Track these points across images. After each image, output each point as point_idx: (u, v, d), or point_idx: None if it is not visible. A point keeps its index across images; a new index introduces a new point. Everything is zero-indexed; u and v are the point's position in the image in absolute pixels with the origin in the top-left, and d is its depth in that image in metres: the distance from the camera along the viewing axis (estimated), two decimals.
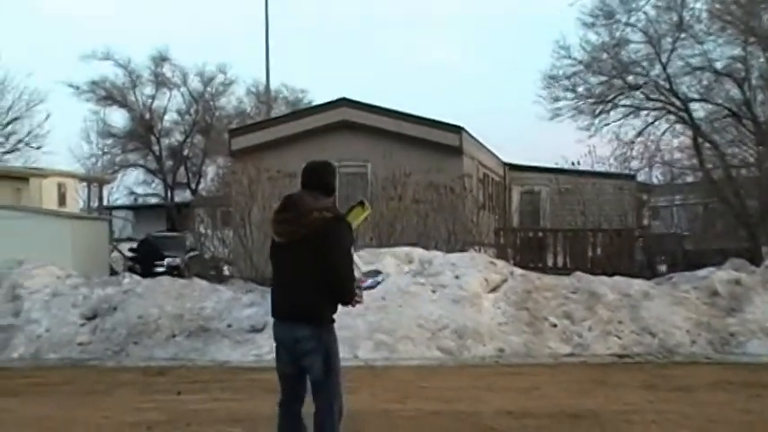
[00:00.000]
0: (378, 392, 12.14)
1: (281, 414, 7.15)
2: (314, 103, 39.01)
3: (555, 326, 16.33)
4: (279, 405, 7.17)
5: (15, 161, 46.31)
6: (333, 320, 7.08)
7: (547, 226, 28.52)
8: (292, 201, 7.00)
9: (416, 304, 16.51)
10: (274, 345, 7.12)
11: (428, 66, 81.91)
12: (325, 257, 6.83)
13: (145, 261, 31.45)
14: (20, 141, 47.12)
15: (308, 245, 6.83)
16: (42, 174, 39.24)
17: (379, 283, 8.17)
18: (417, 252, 18.76)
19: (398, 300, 16.60)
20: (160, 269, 30.06)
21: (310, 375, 6.98)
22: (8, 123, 46.82)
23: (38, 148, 47.25)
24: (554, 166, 34.00)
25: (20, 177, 35.95)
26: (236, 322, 16.57)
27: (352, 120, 25.52)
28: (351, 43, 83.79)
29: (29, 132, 47.10)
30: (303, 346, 6.92)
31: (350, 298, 7.01)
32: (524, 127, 74.20)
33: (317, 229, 6.83)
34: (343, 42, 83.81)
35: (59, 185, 41.09)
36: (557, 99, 31.20)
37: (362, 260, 14.58)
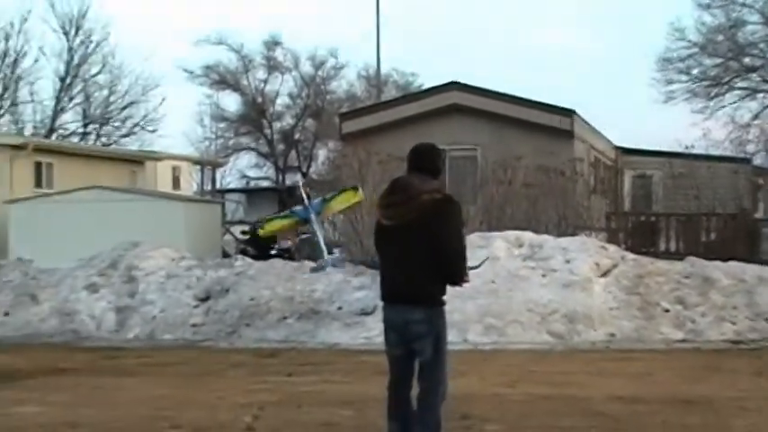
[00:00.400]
0: (487, 376, 12.13)
1: (391, 396, 7.18)
2: (424, 87, 38.95)
3: (667, 311, 16.12)
4: (388, 388, 7.20)
5: (131, 144, 47.26)
6: (443, 303, 7.09)
7: (659, 210, 28.12)
8: (401, 184, 7.03)
9: (526, 288, 16.44)
10: (383, 328, 7.16)
11: (540, 47, 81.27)
12: (438, 237, 6.83)
13: (258, 243, 31.75)
14: (135, 125, 48.05)
15: (418, 227, 6.83)
16: (157, 157, 39.87)
17: (483, 262, 8.15)
18: (527, 236, 18.65)
19: (508, 284, 16.55)
20: (272, 251, 30.37)
21: (420, 357, 7.00)
22: (124, 107, 47.74)
23: (153, 131, 48.13)
24: (667, 149, 33.49)
25: (135, 160, 36.57)
26: (346, 305, 16.68)
27: (462, 103, 25.44)
28: (462, 25, 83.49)
29: (144, 116, 48.00)
30: (415, 329, 6.94)
31: (461, 278, 7.00)
32: (637, 110, 73.23)
33: (427, 211, 6.82)
34: (455, 25, 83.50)
35: (173, 169, 41.74)
36: (671, 82, 30.81)
37: (472, 244, 14.63)
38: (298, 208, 16.31)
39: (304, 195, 15.34)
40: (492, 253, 17.11)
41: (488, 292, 16.15)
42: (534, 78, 69.44)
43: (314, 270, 16.43)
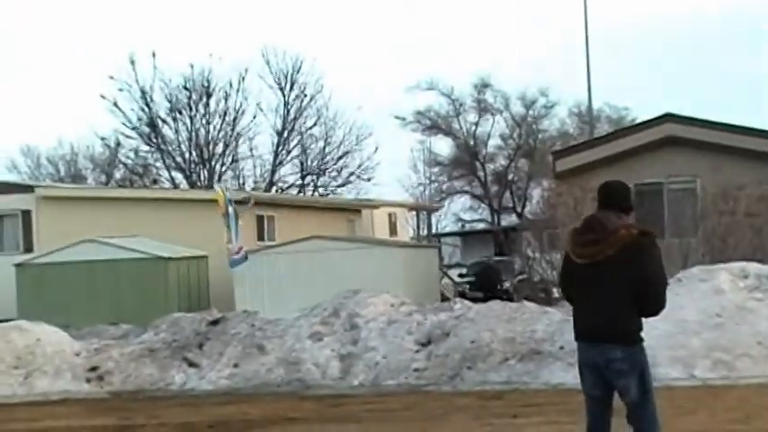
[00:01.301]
0: (718, 412, 11.76)
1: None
2: (637, 121, 38.38)
3: None
4: (588, 430, 7.14)
5: (347, 193, 48.08)
6: (643, 339, 7.01)
7: None
8: (596, 221, 7.05)
9: (755, 321, 15.89)
10: (579, 369, 7.16)
11: (755, 74, 78.97)
12: (642, 271, 6.83)
13: (486, 285, 31.83)
14: (351, 174, 48.88)
15: (617, 263, 6.83)
16: (373, 205, 40.46)
17: None
18: (753, 267, 18.04)
19: (735, 317, 16.04)
20: (497, 293, 30.38)
21: (626, 398, 6.93)
22: (340, 158, 48.66)
23: (368, 179, 48.87)
24: None
25: (352, 209, 37.21)
26: (567, 344, 16.44)
27: (677, 135, 24.91)
28: (672, 56, 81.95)
29: (359, 165, 48.80)
30: (616, 368, 6.89)
31: (661, 309, 7.01)
32: None
33: (626, 246, 6.84)
34: (666, 56, 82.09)
35: (389, 215, 42.25)
36: None
37: (695, 277, 14.22)
38: None
39: None
40: (716, 286, 16.64)
41: (714, 326, 15.69)
42: (750, 105, 67.52)
43: None
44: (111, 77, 46.00)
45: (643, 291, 6.85)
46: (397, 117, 55.84)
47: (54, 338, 18.91)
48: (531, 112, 56.54)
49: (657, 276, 6.95)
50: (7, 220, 29.66)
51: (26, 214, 29.43)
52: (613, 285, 6.85)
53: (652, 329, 15.71)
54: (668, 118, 25.25)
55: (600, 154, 25.60)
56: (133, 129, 47.02)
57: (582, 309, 7.10)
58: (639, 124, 28.26)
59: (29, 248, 28.90)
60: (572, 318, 7.25)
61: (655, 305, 6.97)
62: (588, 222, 7.11)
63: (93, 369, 18.08)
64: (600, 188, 7.30)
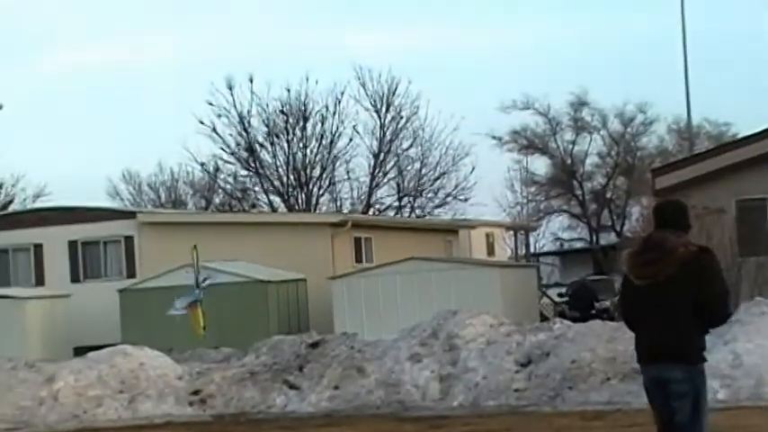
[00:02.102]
0: None
1: None
2: (739, 136, 37.79)
3: None
4: None
5: (444, 214, 48.02)
6: (705, 359, 7.05)
7: None
8: (655, 241, 7.05)
9: None
10: (647, 390, 7.15)
11: None
12: (704, 286, 6.89)
13: (580, 304, 31.61)
14: (448, 195, 48.80)
15: (676, 282, 6.86)
16: (470, 225, 40.39)
17: None
18: None
19: None
20: (592, 312, 30.12)
21: (676, 417, 6.94)
22: (437, 179, 48.63)
23: (465, 200, 48.75)
24: None
25: (449, 230, 37.18)
26: None
27: None
28: None
29: (456, 186, 48.69)
30: (675, 389, 6.92)
31: (726, 319, 7.25)
32: None
33: (685, 265, 6.88)
34: (766, 68, 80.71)
35: (487, 235, 42.15)
36: None
37: None
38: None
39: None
40: None
41: None
42: None
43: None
44: (210, 103, 46.64)
45: (708, 304, 6.89)
46: (493, 137, 55.74)
47: (157, 362, 19.17)
48: (628, 129, 56.01)
49: (721, 292, 6.99)
50: (111, 246, 30.16)
51: (128, 240, 29.91)
52: (674, 305, 6.89)
53: (759, 348, 15.50)
54: None
55: (700, 170, 25.23)
56: (231, 154, 47.60)
57: (645, 330, 7.10)
58: (741, 139, 27.84)
59: (132, 274, 29.36)
60: (635, 342, 7.25)
61: (720, 318, 7.07)
62: (646, 242, 7.12)
63: (196, 393, 18.29)
64: (655, 208, 7.44)
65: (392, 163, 48.54)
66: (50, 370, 18.97)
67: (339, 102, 47.10)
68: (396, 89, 47.82)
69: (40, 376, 18.76)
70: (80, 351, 22.81)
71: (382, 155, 48.07)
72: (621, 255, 7.28)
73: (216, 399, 18.10)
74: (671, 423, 7.03)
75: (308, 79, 47.08)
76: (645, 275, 6.98)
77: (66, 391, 18.27)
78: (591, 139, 56.17)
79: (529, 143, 56.15)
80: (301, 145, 47.22)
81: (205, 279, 13.76)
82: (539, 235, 57.05)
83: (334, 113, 47.07)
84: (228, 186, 50.10)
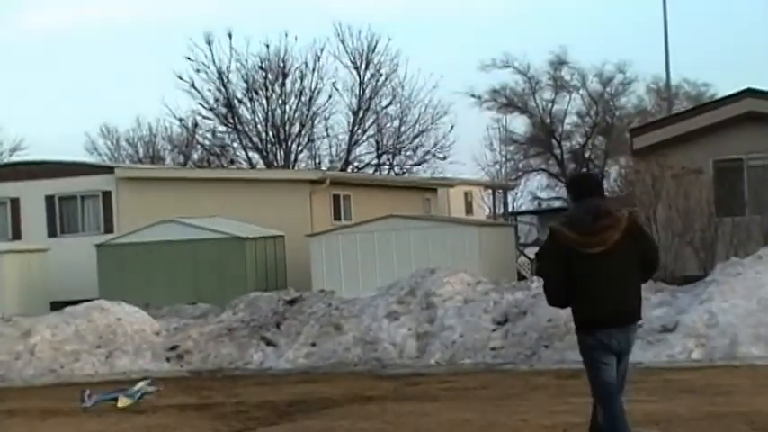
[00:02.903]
0: None
1: (616, 416, 7.40)
2: (717, 97, 37.83)
3: None
4: (612, 415, 7.40)
5: (423, 172, 47.98)
6: None
7: None
8: (602, 209, 7.36)
9: None
10: (595, 353, 7.41)
11: None
12: (647, 246, 7.51)
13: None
14: (427, 153, 48.71)
15: (622, 246, 7.24)
16: (449, 183, 40.40)
17: None
18: None
19: None
20: None
21: (622, 368, 7.46)
22: (416, 136, 48.52)
23: (444, 158, 48.67)
24: None
25: (428, 188, 37.18)
26: (646, 322, 16.30)
27: (758, 110, 24.50)
28: (754, 31, 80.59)
29: (435, 144, 48.58)
30: (630, 346, 7.47)
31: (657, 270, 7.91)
32: None
33: (629, 229, 7.31)
34: (747, 31, 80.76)
35: (465, 194, 42.18)
36: None
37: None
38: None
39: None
40: None
41: None
42: None
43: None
44: (189, 58, 46.29)
45: (650, 262, 7.49)
46: (472, 95, 55.54)
47: (134, 318, 19.18)
48: (608, 89, 55.92)
49: (656, 246, 7.76)
50: (88, 200, 30.05)
51: (106, 195, 29.80)
52: (627, 268, 7.29)
53: (734, 308, 15.62)
54: (748, 93, 24.83)
55: (679, 130, 25.26)
56: (210, 109, 47.33)
57: (600, 296, 7.27)
58: (719, 100, 27.85)
59: (109, 229, 29.27)
60: (583, 310, 7.45)
61: (656, 268, 7.65)
62: (596, 212, 7.32)
63: (173, 348, 18.32)
64: (582, 178, 8.08)
65: (371, 120, 48.41)
66: (27, 324, 18.96)
67: (318, 58, 46.86)
68: (375, 46, 47.59)
69: (17, 331, 18.75)
70: (57, 306, 22.78)
71: (361, 112, 47.91)
72: (557, 230, 7.43)
73: (193, 354, 18.14)
74: (617, 379, 7.40)
75: (287, 35, 46.83)
76: (598, 243, 7.21)
77: (42, 345, 18.27)
78: (570, 99, 56.07)
79: (508, 102, 56.01)
80: (280, 101, 47.00)
81: (142, 395, 13.86)
82: (517, 194, 57.06)
83: (314, 70, 46.84)
84: (207, 142, 49.88)
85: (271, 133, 46.97)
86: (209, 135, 49.41)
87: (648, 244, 7.56)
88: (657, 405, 11.35)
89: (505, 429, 10.30)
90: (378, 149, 48.71)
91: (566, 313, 16.84)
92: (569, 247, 7.28)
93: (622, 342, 7.37)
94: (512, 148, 57.07)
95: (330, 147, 48.79)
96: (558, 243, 7.35)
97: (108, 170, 31.38)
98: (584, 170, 9.84)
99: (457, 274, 19.12)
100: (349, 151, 48.13)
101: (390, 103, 48.20)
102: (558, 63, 55.11)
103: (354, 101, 47.80)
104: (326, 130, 48.30)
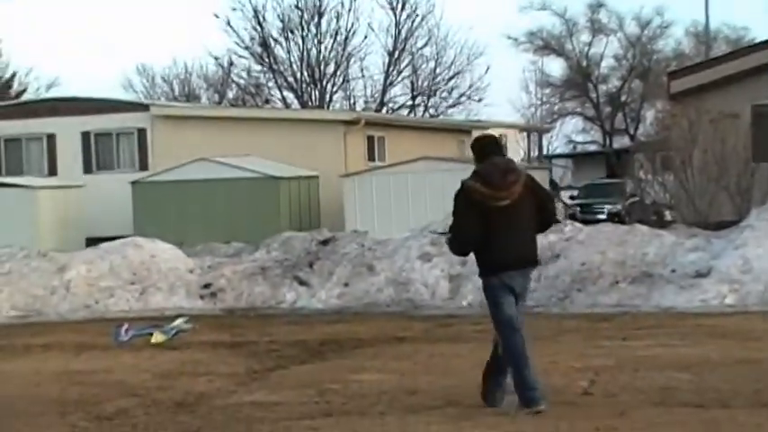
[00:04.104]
0: None
1: (520, 347, 8.38)
2: (756, 41, 37.42)
3: None
4: (514, 345, 8.35)
5: (458, 114, 47.84)
6: None
7: None
8: (510, 166, 8.37)
9: None
10: (501, 294, 8.37)
11: None
12: (544, 198, 8.53)
13: (586, 207, 31.67)
14: (462, 95, 48.57)
15: (524, 198, 8.23)
16: (483, 126, 40.22)
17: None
18: None
19: None
20: (601, 216, 30.12)
21: (520, 309, 8.51)
22: (451, 78, 48.35)
23: (479, 100, 48.53)
24: None
25: (463, 130, 37.05)
26: (679, 267, 16.29)
27: None
28: None
29: (470, 86, 48.43)
30: (526, 289, 8.61)
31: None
32: None
33: (529, 184, 8.32)
34: None
35: (500, 136, 41.95)
36: None
37: None
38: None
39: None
40: None
41: None
42: None
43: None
44: None
45: (548, 211, 8.54)
46: (509, 37, 55.32)
47: (168, 255, 19.29)
48: (645, 32, 55.52)
49: (553, 199, 8.70)
50: (123, 137, 30.13)
51: (141, 132, 29.87)
52: (527, 218, 8.30)
53: None
54: None
55: (716, 74, 25.01)
56: (245, 48, 47.31)
57: (505, 242, 8.24)
58: (758, 44, 27.54)
59: (144, 166, 29.37)
60: (491, 256, 8.33)
61: (554, 214, 8.78)
62: (506, 168, 8.30)
63: (207, 286, 18.43)
64: (487, 140, 8.76)
65: (406, 62, 48.24)
66: (63, 259, 19.11)
67: None
68: None
69: (53, 266, 18.90)
70: (92, 242, 22.94)
71: (397, 53, 47.72)
72: (469, 185, 8.25)
73: (226, 293, 18.23)
74: (517, 318, 8.41)
75: None
76: (506, 196, 8.17)
77: (77, 281, 18.42)
78: (607, 42, 55.77)
79: (545, 44, 55.72)
80: (316, 41, 46.87)
81: (177, 332, 13.97)
82: (552, 137, 56.95)
83: (350, 10, 46.65)
84: (242, 81, 49.91)
85: (306, 73, 46.89)
86: (244, 74, 49.44)
87: (546, 195, 8.63)
88: (689, 350, 11.35)
89: (536, 371, 10.31)
90: (413, 91, 48.57)
91: (599, 257, 16.90)
92: (481, 201, 8.17)
93: (522, 283, 8.45)
94: (547, 90, 56.89)
95: (365, 88, 48.75)
96: (471, 197, 8.21)
97: (143, 108, 31.44)
98: (490, 134, 10.18)
99: None
100: (384, 92, 48.02)
101: (426, 45, 48.02)
102: (596, 5, 54.77)
103: (390, 41, 47.65)
104: (362, 70, 48.21)
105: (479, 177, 8.23)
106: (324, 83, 47.05)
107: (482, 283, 8.55)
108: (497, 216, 8.16)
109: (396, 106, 48.47)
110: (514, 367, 8.33)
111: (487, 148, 8.49)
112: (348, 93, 48.47)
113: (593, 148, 57.48)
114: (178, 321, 14.51)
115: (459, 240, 8.45)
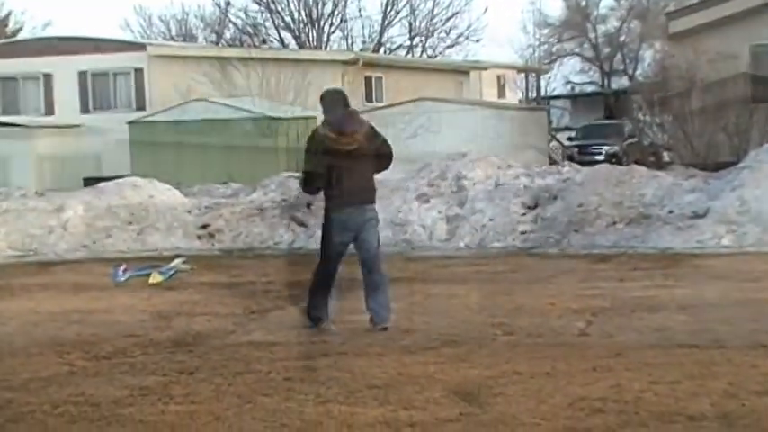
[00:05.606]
0: None
1: (330, 276, 9.86)
2: None
3: None
4: (326, 272, 9.85)
5: (456, 55, 47.65)
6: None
7: None
8: (355, 119, 9.58)
9: None
10: (336, 230, 9.53)
11: None
12: (383, 146, 9.67)
13: (583, 149, 31.64)
14: (460, 36, 48.40)
15: (365, 145, 9.41)
16: (482, 66, 40.12)
17: None
18: None
19: None
20: (598, 157, 30.10)
21: (369, 250, 9.71)
22: (449, 18, 48.12)
23: (477, 41, 48.45)
24: None
25: (461, 71, 36.95)
26: (677, 208, 16.30)
27: None
28: None
29: (468, 26, 48.22)
30: (374, 223, 9.69)
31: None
32: None
33: (369, 134, 9.51)
34: None
35: (498, 77, 41.89)
36: None
37: None
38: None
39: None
40: None
41: None
42: None
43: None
44: None
45: (387, 158, 9.70)
46: None
47: (166, 196, 19.30)
48: None
49: (391, 147, 9.72)
50: (120, 77, 30.04)
51: (138, 72, 29.78)
52: (368, 162, 9.48)
53: (766, 194, 15.50)
54: None
55: (715, 14, 24.90)
56: None
57: (347, 184, 9.36)
58: None
59: (141, 106, 29.31)
60: (334, 192, 9.42)
61: (390, 158, 9.73)
62: (350, 120, 9.48)
63: (204, 227, 18.44)
64: (336, 94, 9.88)
65: (404, 1, 47.97)
66: (60, 199, 19.11)
67: None
68: None
69: (50, 205, 18.90)
70: (89, 182, 22.93)
71: None
72: (320, 132, 9.46)
73: (224, 233, 18.25)
74: (371, 252, 9.70)
75: None
76: (350, 142, 9.32)
77: (75, 220, 18.43)
78: None
79: None
80: None
81: (174, 272, 13.96)
82: (550, 78, 56.67)
83: None
84: (239, 21, 49.64)
85: (303, 13, 46.66)
86: (241, 14, 49.16)
87: (384, 142, 9.66)
88: (685, 290, 11.38)
89: (533, 312, 10.36)
90: (410, 31, 48.36)
91: (597, 198, 16.90)
92: (329, 145, 9.31)
93: (359, 219, 9.51)
94: (546, 31, 56.55)
95: (363, 28, 48.68)
96: (321, 142, 9.36)
97: (140, 47, 31.31)
98: (337, 88, 10.29)
99: (487, 158, 19.08)
100: (381, 33, 47.83)
101: None
102: None
103: None
104: (359, 10, 48.07)
105: (329, 126, 9.45)
106: (321, 23, 46.84)
107: (323, 215, 9.71)
108: (342, 159, 9.30)
109: (393, 47, 48.28)
110: (313, 290, 9.88)
111: (336, 101, 9.66)
112: (346, 33, 48.30)
113: (591, 89, 57.25)
114: (176, 262, 14.55)
115: (307, 180, 9.64)
